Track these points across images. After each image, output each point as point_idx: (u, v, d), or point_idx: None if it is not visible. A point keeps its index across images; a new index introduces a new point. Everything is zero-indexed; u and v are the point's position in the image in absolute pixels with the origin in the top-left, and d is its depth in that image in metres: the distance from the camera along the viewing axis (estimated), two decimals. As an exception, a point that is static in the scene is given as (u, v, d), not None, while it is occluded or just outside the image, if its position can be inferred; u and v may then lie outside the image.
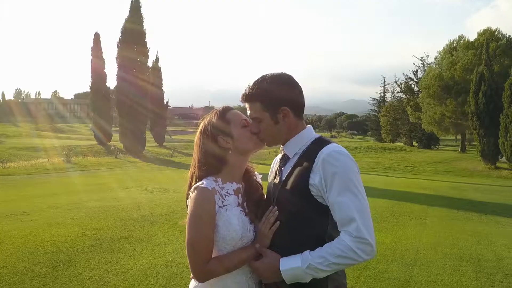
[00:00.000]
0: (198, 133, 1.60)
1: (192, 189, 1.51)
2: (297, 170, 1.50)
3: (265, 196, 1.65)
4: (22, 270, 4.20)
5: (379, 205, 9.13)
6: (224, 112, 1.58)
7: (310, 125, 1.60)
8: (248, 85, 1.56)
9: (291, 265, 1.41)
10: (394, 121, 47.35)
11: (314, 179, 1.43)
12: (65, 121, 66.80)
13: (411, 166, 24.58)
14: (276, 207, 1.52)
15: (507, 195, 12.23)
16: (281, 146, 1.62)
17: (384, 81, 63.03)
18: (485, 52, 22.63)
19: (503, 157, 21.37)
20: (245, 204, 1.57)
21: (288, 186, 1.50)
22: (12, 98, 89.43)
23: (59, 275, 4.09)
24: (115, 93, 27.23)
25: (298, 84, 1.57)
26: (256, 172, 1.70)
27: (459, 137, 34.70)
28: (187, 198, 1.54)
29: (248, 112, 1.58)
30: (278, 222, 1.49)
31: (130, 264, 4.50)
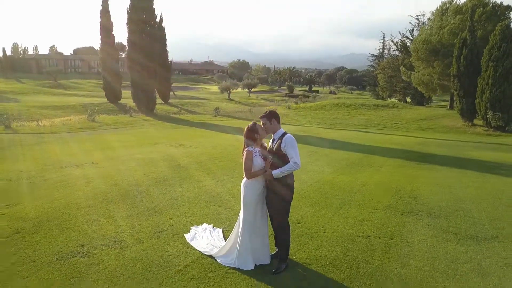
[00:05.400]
0: (244, 132, 4.47)
1: (244, 150, 4.44)
2: (277, 143, 4.44)
3: (268, 151, 4.56)
4: (123, 193, 7.18)
5: (351, 157, 11.99)
6: (255, 124, 4.47)
7: (282, 127, 4.42)
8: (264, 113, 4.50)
9: (276, 172, 4.34)
10: (390, 78, 49.23)
11: (282, 145, 4.37)
12: (66, 77, 67.16)
13: (398, 123, 27.09)
14: (271, 155, 4.44)
15: (461, 149, 15.02)
16: (272, 135, 4.50)
17: (383, 37, 64.11)
18: (469, 18, 24.49)
19: (479, 116, 23.93)
20: (261, 155, 4.45)
21: (274, 149, 4.45)
22: (10, 53, 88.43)
23: (146, 195, 7.07)
24: (127, 56, 29.38)
25: (277, 112, 4.45)
26: (264, 142, 4.58)
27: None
28: (243, 152, 4.43)
29: (261, 122, 4.45)
30: (272, 160, 4.39)
31: (184, 191, 7.46)
